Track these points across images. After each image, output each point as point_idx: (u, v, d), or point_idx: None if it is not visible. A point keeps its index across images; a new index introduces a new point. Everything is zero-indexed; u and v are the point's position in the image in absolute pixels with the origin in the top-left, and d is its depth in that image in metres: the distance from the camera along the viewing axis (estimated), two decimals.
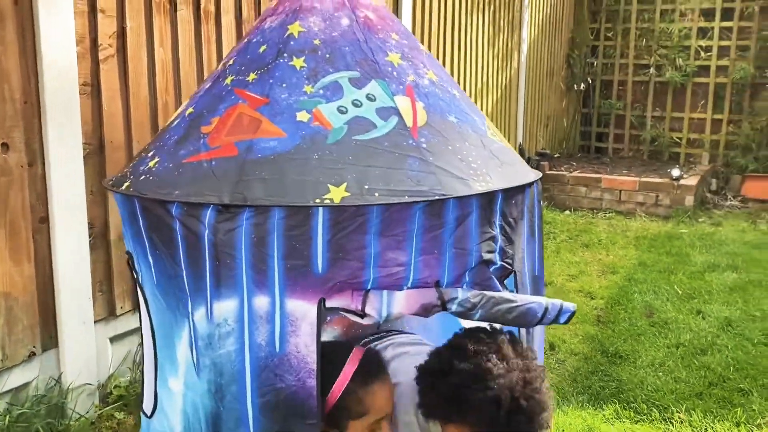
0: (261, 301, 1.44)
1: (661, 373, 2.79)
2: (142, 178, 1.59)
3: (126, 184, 1.62)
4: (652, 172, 6.41)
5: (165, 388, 1.67)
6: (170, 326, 1.58)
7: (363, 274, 1.46)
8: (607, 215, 5.85)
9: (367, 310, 1.47)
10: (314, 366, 1.49)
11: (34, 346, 2.27)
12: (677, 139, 7.31)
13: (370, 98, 1.58)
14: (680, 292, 3.79)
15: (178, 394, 1.63)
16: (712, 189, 6.56)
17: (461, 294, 1.50)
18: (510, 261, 1.62)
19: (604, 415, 2.47)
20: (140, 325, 1.86)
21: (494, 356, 1.44)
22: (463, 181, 1.50)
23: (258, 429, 1.51)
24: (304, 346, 1.48)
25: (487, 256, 1.56)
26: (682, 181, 5.84)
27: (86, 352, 2.42)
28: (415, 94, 1.63)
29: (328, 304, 1.46)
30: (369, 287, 1.48)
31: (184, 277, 1.48)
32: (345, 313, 1.49)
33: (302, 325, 1.47)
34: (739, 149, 6.85)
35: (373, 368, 1.62)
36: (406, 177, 1.47)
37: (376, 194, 1.42)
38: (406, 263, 1.48)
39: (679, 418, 2.43)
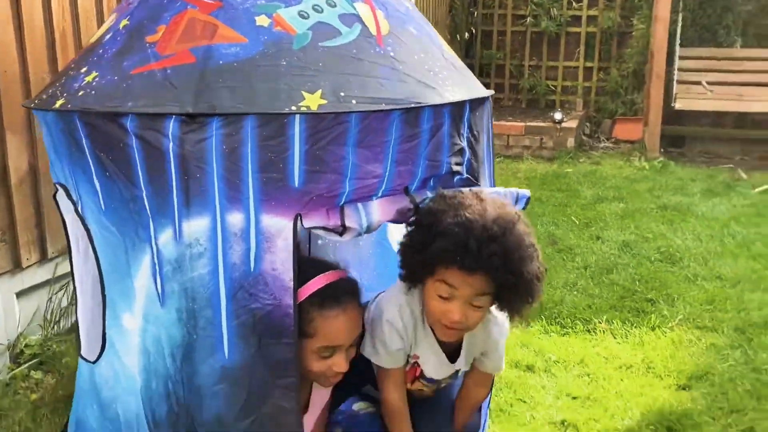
0: (235, 218, 1.35)
1: (576, 292, 2.96)
2: (80, 93, 1.42)
3: (59, 102, 1.44)
4: (533, 118, 6.72)
5: (117, 327, 1.53)
6: (124, 257, 1.45)
7: (340, 186, 1.40)
8: (497, 159, 6.07)
9: (348, 223, 1.42)
10: (290, 284, 1.42)
11: None
12: (553, 87, 7.68)
13: (330, 4, 1.50)
14: (577, 221, 4.03)
15: (134, 331, 1.51)
16: (586, 133, 6.99)
17: (430, 194, 1.50)
18: (476, 175, 1.62)
19: (533, 331, 2.60)
20: (71, 263, 1.70)
21: (471, 197, 1.45)
22: (435, 90, 1.47)
23: (234, 353, 1.43)
24: (280, 263, 1.41)
25: (456, 168, 1.55)
26: (563, 124, 6.17)
27: None
28: (373, 2, 1.57)
29: (305, 219, 1.39)
30: (344, 200, 1.43)
31: (144, 198, 1.35)
32: (323, 231, 1.43)
33: (278, 241, 1.39)
34: (609, 95, 7.32)
35: (340, 294, 1.56)
36: (380, 85, 1.41)
37: (354, 101, 1.36)
38: (382, 174, 1.44)
39: (601, 328, 2.60)
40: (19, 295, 2.34)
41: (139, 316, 1.49)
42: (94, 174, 1.42)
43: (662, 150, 6.01)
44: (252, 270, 1.38)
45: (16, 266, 2.29)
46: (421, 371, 1.75)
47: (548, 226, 3.97)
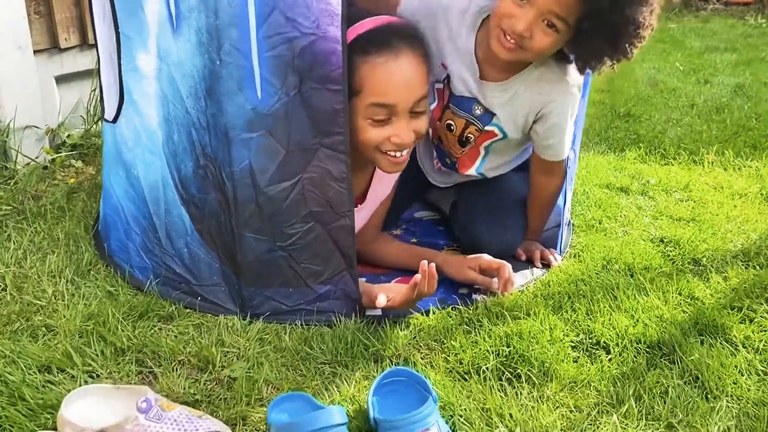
0: None
1: (679, 128, 2.56)
2: None
3: None
4: None
5: (132, 72, 1.30)
6: None
7: None
8: None
9: None
10: (338, 9, 1.13)
11: None
12: None
13: None
14: (682, 68, 3.54)
15: (150, 75, 1.27)
16: None
17: None
18: None
19: (628, 157, 2.25)
20: (92, 13, 1.45)
21: None
22: None
23: (267, 94, 1.16)
24: None
25: None
26: None
27: (27, 87, 1.99)
28: None
29: None
30: None
31: None
32: None
33: None
34: None
35: (391, 38, 1.25)
36: None
37: None
38: None
39: (710, 159, 2.22)
40: (60, 80, 2.15)
41: (154, 54, 1.24)
42: None
43: None
44: None
45: (54, 45, 2.08)
46: (450, 94, 1.47)
47: (647, 70, 3.49)
